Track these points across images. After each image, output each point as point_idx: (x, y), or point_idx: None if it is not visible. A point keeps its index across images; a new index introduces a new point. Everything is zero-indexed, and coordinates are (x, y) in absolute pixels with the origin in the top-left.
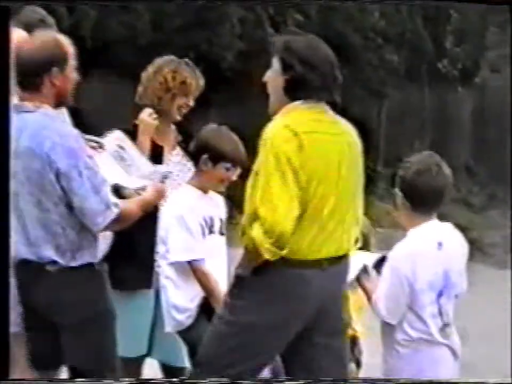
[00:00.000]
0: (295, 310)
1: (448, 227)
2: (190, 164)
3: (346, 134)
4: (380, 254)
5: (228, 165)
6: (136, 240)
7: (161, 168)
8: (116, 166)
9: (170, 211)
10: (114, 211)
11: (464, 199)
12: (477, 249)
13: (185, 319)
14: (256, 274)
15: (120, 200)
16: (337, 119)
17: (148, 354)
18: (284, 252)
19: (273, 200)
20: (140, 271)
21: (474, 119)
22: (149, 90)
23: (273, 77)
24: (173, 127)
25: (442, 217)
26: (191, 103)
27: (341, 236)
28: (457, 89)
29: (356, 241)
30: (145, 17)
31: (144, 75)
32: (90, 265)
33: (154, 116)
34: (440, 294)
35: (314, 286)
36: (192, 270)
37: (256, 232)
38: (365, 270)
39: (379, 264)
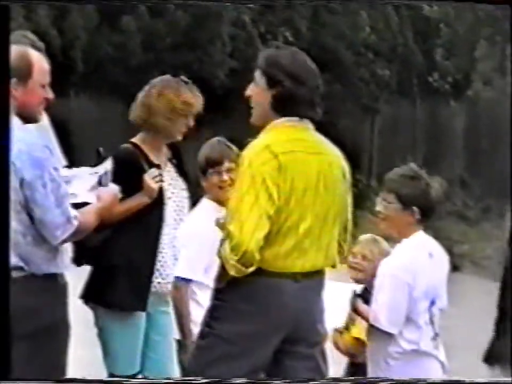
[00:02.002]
0: (271, 319)
1: (433, 239)
2: (181, 180)
3: (327, 153)
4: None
5: (213, 169)
6: (135, 263)
7: (98, 169)
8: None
9: (187, 227)
10: (74, 224)
11: (459, 212)
12: (470, 262)
13: None
14: (232, 285)
15: (77, 211)
16: (320, 138)
17: (140, 371)
18: (250, 270)
19: (242, 218)
20: (137, 293)
21: (467, 132)
22: (151, 111)
23: (258, 91)
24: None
25: (437, 231)
26: (192, 122)
27: (316, 253)
28: (449, 102)
29: (335, 258)
30: (136, 37)
31: (144, 96)
32: (52, 275)
33: (159, 178)
34: (432, 303)
35: (289, 296)
36: (175, 286)
37: (224, 248)
38: (355, 296)
39: (360, 293)
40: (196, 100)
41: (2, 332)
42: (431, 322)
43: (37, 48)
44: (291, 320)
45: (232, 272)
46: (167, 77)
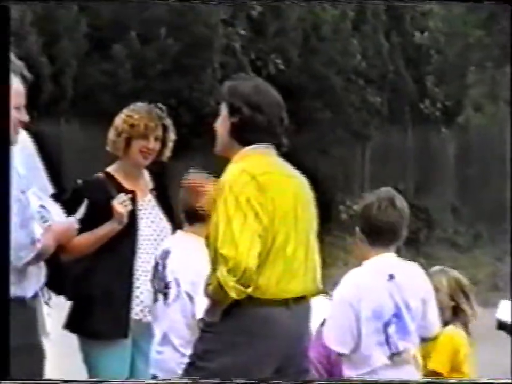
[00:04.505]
0: (265, 350)
1: (406, 262)
2: (161, 214)
3: (296, 176)
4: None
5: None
6: (112, 291)
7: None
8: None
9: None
10: (38, 247)
11: (450, 239)
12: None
13: None
14: (223, 316)
15: (39, 234)
16: (285, 163)
17: None
18: (250, 290)
19: (235, 239)
20: (116, 320)
21: (458, 159)
22: (117, 131)
23: (220, 121)
24: (146, 173)
25: (428, 257)
26: (152, 145)
27: (305, 276)
28: (440, 129)
29: (319, 283)
30: (126, 64)
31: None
32: (19, 299)
33: (127, 202)
34: (387, 324)
35: (282, 325)
36: None
37: (220, 272)
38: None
39: None
40: (147, 121)
41: (2, 332)
42: (387, 342)
43: (21, 75)
44: (283, 349)
45: (232, 295)
46: (141, 103)
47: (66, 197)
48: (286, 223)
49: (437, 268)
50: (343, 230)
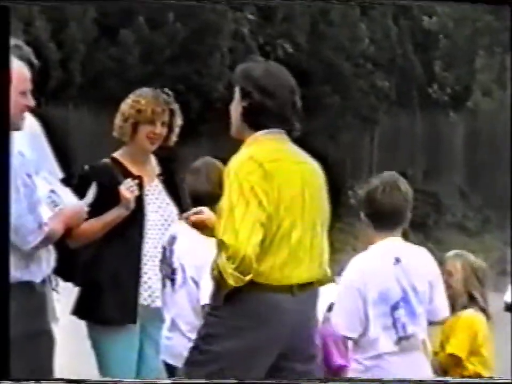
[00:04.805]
0: (268, 335)
1: (412, 246)
2: (168, 199)
3: (308, 163)
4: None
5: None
6: (119, 277)
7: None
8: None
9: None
10: (45, 230)
11: (459, 224)
12: None
13: None
14: (227, 301)
15: (46, 218)
16: (298, 149)
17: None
18: (248, 278)
19: (235, 226)
20: (124, 307)
21: (467, 144)
22: (123, 116)
23: (234, 105)
24: (153, 158)
25: (437, 242)
26: (159, 130)
27: (310, 263)
28: (448, 114)
29: (327, 269)
30: (135, 50)
31: (122, 103)
32: (28, 283)
33: (134, 187)
34: (395, 307)
35: (286, 311)
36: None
37: (220, 259)
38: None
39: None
40: (155, 107)
41: (2, 332)
42: (394, 326)
43: (28, 61)
44: (287, 335)
45: (230, 282)
46: (148, 88)
47: (73, 183)
48: (292, 210)
49: (451, 252)
50: (352, 215)
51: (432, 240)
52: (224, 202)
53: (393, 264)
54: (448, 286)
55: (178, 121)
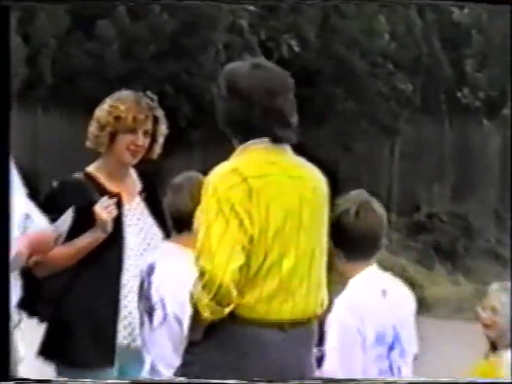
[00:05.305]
0: (252, 371)
1: (389, 275)
2: (150, 220)
3: (309, 177)
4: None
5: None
6: (95, 312)
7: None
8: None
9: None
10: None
11: (493, 250)
12: None
13: None
14: (207, 335)
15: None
16: (299, 161)
17: None
18: (228, 310)
19: (212, 249)
20: (100, 345)
21: (502, 157)
22: (99, 124)
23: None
24: (133, 173)
25: (467, 272)
26: (141, 141)
27: (306, 297)
28: (481, 122)
29: (324, 302)
30: (114, 44)
31: (97, 109)
32: None
33: (112, 207)
34: (391, 348)
35: (272, 347)
36: None
37: (195, 287)
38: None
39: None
40: (135, 113)
41: (2, 332)
42: (390, 369)
43: None
44: (276, 374)
45: (206, 314)
46: (128, 91)
47: (39, 200)
48: (285, 233)
49: (496, 285)
50: None
51: (462, 270)
52: (200, 221)
53: (381, 298)
54: (492, 323)
55: (163, 129)
